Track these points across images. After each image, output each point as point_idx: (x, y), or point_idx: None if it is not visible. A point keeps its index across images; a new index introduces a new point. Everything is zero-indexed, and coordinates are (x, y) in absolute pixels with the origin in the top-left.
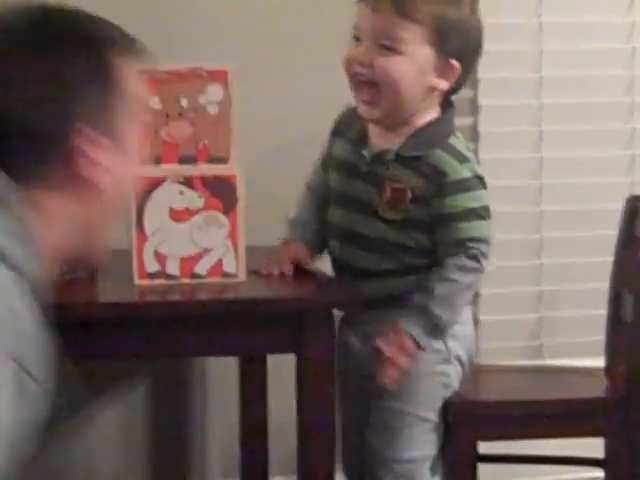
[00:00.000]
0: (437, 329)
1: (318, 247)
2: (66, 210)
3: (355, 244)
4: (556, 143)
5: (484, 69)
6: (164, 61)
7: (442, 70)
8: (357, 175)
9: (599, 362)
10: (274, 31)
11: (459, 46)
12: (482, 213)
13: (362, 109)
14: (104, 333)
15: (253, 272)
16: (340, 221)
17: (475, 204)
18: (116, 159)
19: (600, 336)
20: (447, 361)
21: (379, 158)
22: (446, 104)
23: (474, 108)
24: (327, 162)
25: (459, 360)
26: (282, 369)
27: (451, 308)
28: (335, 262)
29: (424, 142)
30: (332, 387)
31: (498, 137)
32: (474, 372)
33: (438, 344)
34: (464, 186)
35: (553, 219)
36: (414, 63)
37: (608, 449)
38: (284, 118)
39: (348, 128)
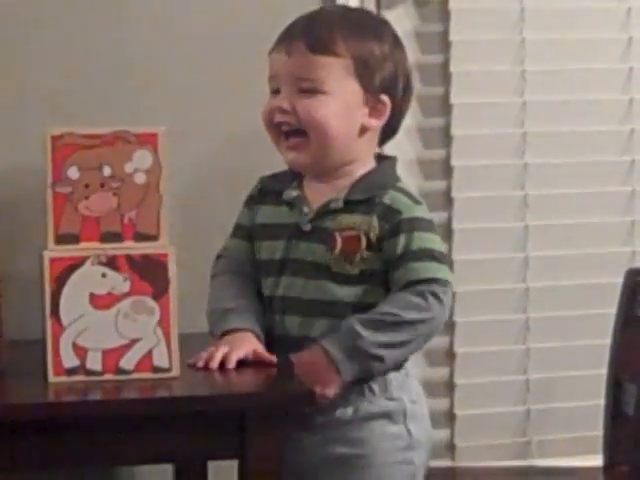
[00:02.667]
0: (357, 351)
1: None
2: None
3: (302, 313)
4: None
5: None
6: (83, 124)
7: (372, 107)
8: (298, 236)
9: (596, 461)
10: (209, 88)
11: (386, 78)
12: (438, 256)
13: (289, 157)
14: (13, 439)
15: (191, 365)
16: (282, 292)
17: (430, 245)
18: None
19: (597, 431)
20: (410, 447)
21: (324, 211)
22: (387, 159)
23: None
24: (250, 233)
25: (421, 446)
26: (226, 477)
27: (379, 336)
28: (275, 338)
29: (373, 185)
30: None
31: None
32: (449, 477)
33: (397, 428)
34: (420, 225)
35: (540, 296)
36: (340, 100)
37: None
38: (223, 187)
39: (271, 194)
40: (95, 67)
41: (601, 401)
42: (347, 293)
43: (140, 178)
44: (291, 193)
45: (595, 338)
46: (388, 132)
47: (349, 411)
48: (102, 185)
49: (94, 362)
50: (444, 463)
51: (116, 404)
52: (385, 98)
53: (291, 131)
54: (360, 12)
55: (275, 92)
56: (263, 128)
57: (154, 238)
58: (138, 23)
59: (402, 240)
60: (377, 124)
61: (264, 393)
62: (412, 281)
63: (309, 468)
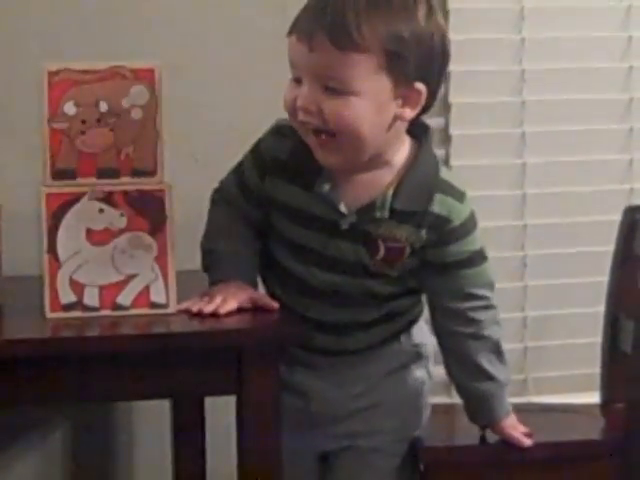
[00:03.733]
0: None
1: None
2: None
3: (332, 302)
4: (540, 147)
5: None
6: (80, 59)
7: (406, 97)
8: (334, 233)
9: (594, 398)
10: (206, 23)
11: (421, 64)
12: (485, 253)
13: (318, 154)
14: (10, 375)
15: (182, 310)
16: (309, 278)
17: (477, 245)
18: None
19: (595, 368)
20: (430, 390)
21: (365, 214)
22: (417, 130)
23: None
24: (256, 198)
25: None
26: (221, 413)
27: (504, 364)
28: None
29: (417, 188)
30: (278, 435)
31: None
32: (447, 413)
33: (421, 372)
34: (467, 229)
35: (538, 234)
36: (371, 100)
37: None
38: (219, 123)
39: (291, 167)
40: (92, 1)
41: (598, 338)
42: (383, 288)
43: (137, 113)
44: (324, 186)
45: (592, 276)
46: (422, 110)
47: (377, 366)
48: (99, 121)
49: (91, 298)
50: (442, 400)
51: (113, 340)
52: (420, 86)
53: (318, 130)
54: None
55: (296, 80)
56: (263, 64)
57: (151, 174)
58: None
59: (452, 249)
60: (412, 113)
61: (261, 328)
62: (469, 289)
63: (339, 418)
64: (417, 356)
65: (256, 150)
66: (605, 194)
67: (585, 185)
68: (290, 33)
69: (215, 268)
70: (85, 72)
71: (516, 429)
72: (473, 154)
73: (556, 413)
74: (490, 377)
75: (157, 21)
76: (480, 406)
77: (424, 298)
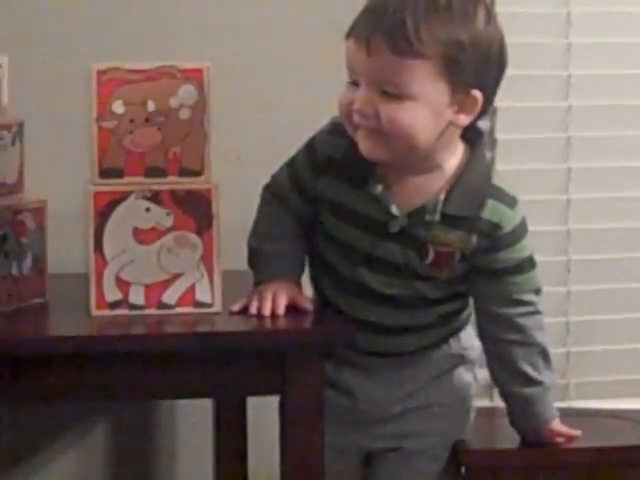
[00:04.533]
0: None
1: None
2: None
3: (377, 301)
4: (586, 152)
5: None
6: (129, 58)
7: (461, 104)
8: (384, 234)
9: (637, 404)
10: (257, 24)
11: (478, 70)
12: (534, 260)
13: (363, 145)
14: (56, 371)
15: (237, 312)
16: (357, 279)
17: (527, 252)
18: None
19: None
20: (475, 393)
21: (416, 218)
22: (471, 135)
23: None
24: (309, 195)
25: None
26: (264, 414)
27: (550, 370)
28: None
29: (469, 194)
30: (320, 435)
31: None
32: (489, 416)
33: (469, 376)
34: (517, 235)
35: (582, 238)
36: (427, 105)
37: None
38: (268, 124)
39: (345, 167)
40: (143, 2)
41: None
42: (432, 292)
43: (185, 113)
44: (376, 187)
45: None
46: (478, 116)
47: (428, 368)
48: (147, 120)
49: (137, 296)
50: (484, 403)
51: (158, 338)
52: (476, 93)
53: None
54: None
55: (353, 84)
56: (310, 65)
57: (198, 173)
58: None
59: (501, 256)
60: (466, 120)
61: (305, 329)
62: (517, 295)
63: (386, 418)
64: (465, 359)
65: (310, 147)
66: None
67: (632, 190)
68: (348, 36)
69: (261, 267)
70: (134, 71)
71: (561, 433)
72: (518, 158)
73: (600, 418)
74: (534, 382)
75: (205, 21)
76: (524, 411)
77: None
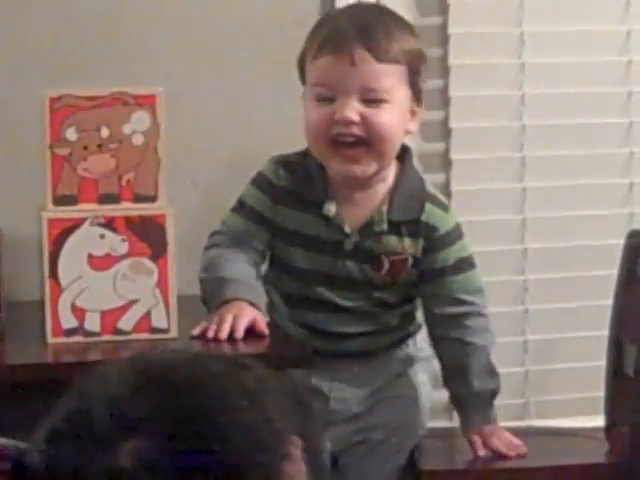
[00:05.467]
0: (493, 398)
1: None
2: None
3: (340, 313)
4: (540, 171)
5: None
6: (82, 85)
7: (413, 111)
8: (340, 253)
9: (597, 421)
10: (206, 49)
11: (421, 80)
12: (472, 261)
13: (347, 169)
14: (12, 400)
15: (196, 336)
16: (318, 297)
17: (465, 253)
18: None
19: (598, 392)
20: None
21: (366, 231)
22: (401, 150)
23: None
24: (268, 222)
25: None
26: None
27: (493, 374)
28: (307, 327)
29: (409, 199)
30: None
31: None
32: (449, 437)
33: (426, 377)
34: (453, 236)
35: (539, 257)
36: (399, 108)
37: None
38: (221, 148)
39: (299, 196)
40: (92, 27)
41: (602, 362)
42: (390, 297)
43: (138, 139)
44: (330, 208)
45: (594, 299)
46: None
47: (393, 366)
48: (100, 146)
49: (93, 323)
50: (442, 424)
51: None
52: (421, 99)
53: (353, 142)
54: (385, 8)
55: (325, 100)
56: (263, 90)
57: (152, 199)
58: None
59: (440, 256)
60: (415, 127)
61: (260, 355)
62: (457, 295)
63: (359, 414)
64: (421, 358)
65: (262, 180)
66: (605, 218)
67: (585, 209)
68: (319, 56)
69: (220, 291)
70: (87, 98)
71: (500, 440)
72: (473, 179)
73: (559, 437)
74: (470, 384)
75: (158, 48)
76: (466, 410)
77: None
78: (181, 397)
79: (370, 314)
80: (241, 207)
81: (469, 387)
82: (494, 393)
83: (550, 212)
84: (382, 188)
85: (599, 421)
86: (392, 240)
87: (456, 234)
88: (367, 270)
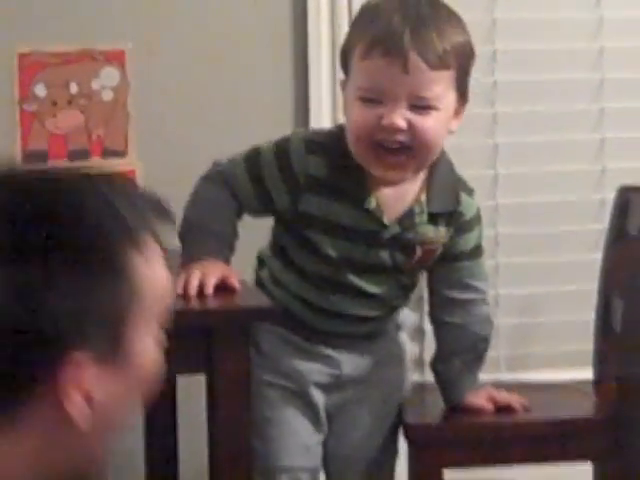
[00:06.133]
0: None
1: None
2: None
3: (360, 298)
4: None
5: None
6: (50, 41)
7: (457, 110)
8: (375, 243)
9: (583, 375)
10: (176, 4)
11: (469, 76)
12: (483, 248)
13: (389, 175)
14: None
15: None
16: (343, 281)
17: (480, 239)
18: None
19: (587, 345)
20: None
21: (406, 223)
22: None
23: None
24: (282, 211)
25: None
26: (193, 393)
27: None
28: (310, 305)
29: (446, 190)
30: (247, 412)
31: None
32: (429, 390)
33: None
34: (475, 222)
35: (511, 213)
36: (446, 114)
37: (597, 476)
38: (190, 104)
39: (329, 183)
40: None
41: (587, 316)
42: (410, 280)
43: (107, 95)
44: (371, 201)
45: (578, 254)
46: None
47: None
48: (69, 102)
49: None
50: (413, 378)
51: None
52: (465, 100)
53: (398, 149)
54: (438, 3)
55: (371, 101)
56: (234, 47)
57: (122, 154)
58: None
59: (461, 240)
60: (456, 126)
61: (230, 310)
62: (467, 280)
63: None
64: (402, 325)
65: (285, 161)
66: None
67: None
68: (369, 56)
69: (196, 242)
70: (55, 54)
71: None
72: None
73: (546, 390)
74: (465, 366)
75: (127, 4)
76: (458, 386)
77: None
78: (30, 186)
79: (388, 298)
80: (252, 167)
81: (464, 368)
82: (481, 365)
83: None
84: (419, 178)
85: (587, 374)
86: (429, 230)
87: (477, 219)
88: (399, 258)
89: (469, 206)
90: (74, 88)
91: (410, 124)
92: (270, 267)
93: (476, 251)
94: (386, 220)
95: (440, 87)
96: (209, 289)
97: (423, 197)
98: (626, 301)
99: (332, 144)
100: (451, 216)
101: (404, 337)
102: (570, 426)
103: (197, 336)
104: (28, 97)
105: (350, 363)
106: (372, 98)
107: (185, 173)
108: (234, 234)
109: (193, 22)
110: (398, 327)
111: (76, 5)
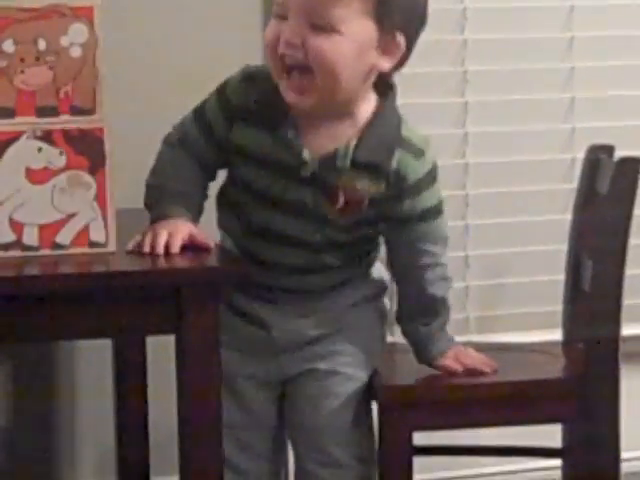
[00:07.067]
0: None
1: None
2: None
3: (288, 244)
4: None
5: None
6: None
7: (385, 46)
8: (295, 179)
9: (556, 335)
10: None
11: (404, 17)
12: (441, 208)
13: (290, 97)
14: None
15: (131, 250)
16: (269, 223)
17: (431, 202)
18: None
19: (551, 306)
20: (385, 320)
21: (327, 163)
22: (383, 87)
23: None
24: (219, 141)
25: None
26: (163, 354)
27: (448, 308)
28: (252, 257)
29: (379, 142)
30: (216, 372)
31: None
32: (401, 351)
33: (378, 305)
34: (422, 185)
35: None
36: (354, 41)
37: (566, 437)
38: (159, 61)
39: (259, 114)
40: None
41: (557, 277)
42: (340, 236)
43: (76, 52)
44: (289, 132)
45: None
46: (395, 67)
47: (338, 301)
48: (37, 59)
49: (30, 237)
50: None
51: (52, 279)
52: (400, 38)
53: (295, 66)
54: None
55: (281, 17)
56: (204, 5)
57: (90, 112)
58: None
59: (407, 204)
60: (388, 64)
61: (199, 268)
62: (422, 244)
63: (300, 344)
64: (377, 291)
65: (222, 94)
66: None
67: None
68: None
69: (161, 204)
70: (23, 10)
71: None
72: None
73: (514, 352)
74: (429, 324)
75: None
76: (427, 344)
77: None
78: None
79: (316, 250)
80: (199, 116)
81: (428, 327)
82: (447, 321)
83: (493, 128)
84: (352, 123)
85: (556, 335)
86: (352, 177)
87: (426, 181)
88: (321, 201)
89: (412, 169)
90: (42, 44)
91: (304, 41)
92: (218, 219)
93: (427, 214)
94: (305, 155)
95: (342, 10)
96: (175, 248)
97: (353, 143)
98: (595, 261)
99: (266, 75)
100: (381, 170)
101: (380, 305)
102: (539, 388)
103: (166, 296)
104: None
105: (280, 324)
106: (281, 14)
107: (153, 132)
108: (199, 194)
109: None
110: (379, 290)
111: None
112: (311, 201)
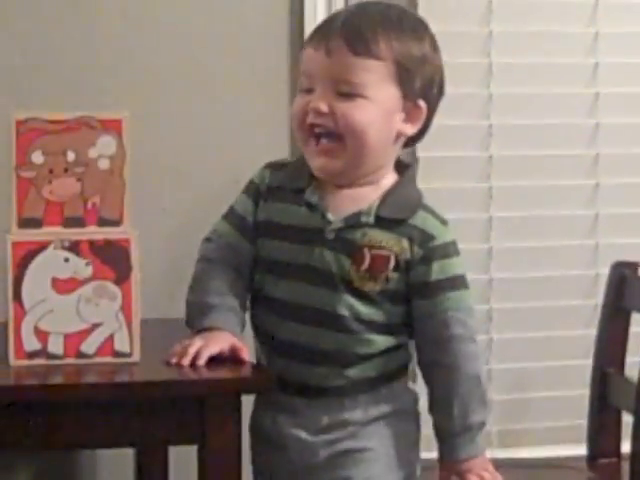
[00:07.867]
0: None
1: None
2: None
3: (308, 321)
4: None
5: None
6: (48, 109)
7: (408, 112)
8: (319, 242)
9: (581, 450)
10: (175, 74)
11: (424, 84)
12: (467, 281)
13: (319, 161)
14: None
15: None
16: (290, 296)
17: (460, 270)
18: None
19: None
20: (416, 442)
21: (351, 221)
22: (401, 167)
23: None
24: (251, 229)
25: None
26: (185, 463)
27: (484, 405)
28: (271, 340)
29: (403, 203)
30: None
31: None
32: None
33: (405, 425)
34: (450, 250)
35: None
36: (381, 106)
37: None
38: (186, 174)
39: (285, 190)
40: (61, 49)
41: (586, 392)
42: (365, 310)
43: (104, 164)
44: (313, 196)
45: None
46: (416, 136)
47: (358, 413)
48: (66, 170)
49: (55, 346)
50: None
51: (77, 388)
52: (422, 103)
53: (325, 134)
54: (399, 10)
55: (307, 91)
56: (231, 116)
57: (117, 223)
58: (105, 3)
59: (435, 267)
60: (412, 130)
61: (223, 379)
62: (449, 312)
63: (313, 465)
64: (410, 405)
65: (249, 184)
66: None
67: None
68: (306, 45)
69: (201, 317)
70: (53, 122)
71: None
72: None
73: (542, 468)
74: (458, 415)
75: (125, 71)
76: (449, 443)
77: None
78: None
79: (335, 327)
80: (230, 213)
81: (456, 418)
82: (482, 425)
83: (516, 243)
84: (374, 190)
85: (580, 450)
86: (376, 233)
87: (453, 248)
88: (346, 264)
89: (439, 231)
90: (71, 156)
91: (333, 108)
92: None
93: (457, 281)
94: (330, 216)
95: (366, 76)
96: (202, 360)
97: (376, 203)
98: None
99: (293, 162)
100: (405, 227)
101: (408, 424)
102: None
103: (189, 407)
104: (25, 163)
105: (296, 440)
106: (307, 87)
107: (180, 243)
108: (239, 305)
109: (190, 90)
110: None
111: (75, 73)
112: (332, 264)
